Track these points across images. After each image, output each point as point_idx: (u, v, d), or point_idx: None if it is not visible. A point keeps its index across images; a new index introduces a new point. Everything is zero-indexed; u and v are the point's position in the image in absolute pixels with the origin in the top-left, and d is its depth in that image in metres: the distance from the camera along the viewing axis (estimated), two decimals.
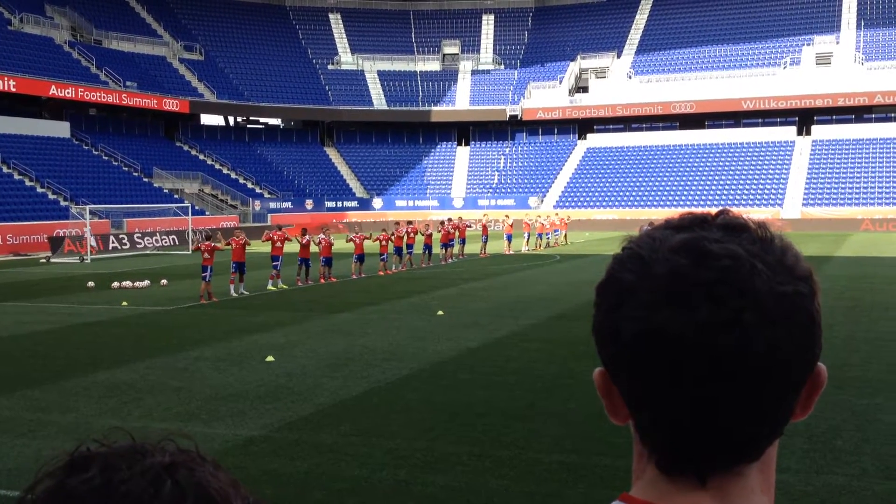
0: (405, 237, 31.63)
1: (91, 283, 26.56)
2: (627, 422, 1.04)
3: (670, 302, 0.93)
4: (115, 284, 26.10)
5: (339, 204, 67.12)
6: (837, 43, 70.47)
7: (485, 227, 39.28)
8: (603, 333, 1.00)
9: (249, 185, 65.56)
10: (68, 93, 57.36)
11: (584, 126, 74.25)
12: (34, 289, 26.11)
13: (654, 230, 1.01)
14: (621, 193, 65.21)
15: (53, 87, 56.44)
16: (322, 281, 27.15)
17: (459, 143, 76.98)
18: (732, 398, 0.93)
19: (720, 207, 1.07)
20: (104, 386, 12.34)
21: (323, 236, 27.56)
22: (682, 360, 0.92)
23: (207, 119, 73.88)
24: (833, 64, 68.56)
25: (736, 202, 60.44)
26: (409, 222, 33.93)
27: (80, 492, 0.79)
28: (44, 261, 38.27)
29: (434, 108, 75.72)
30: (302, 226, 34.97)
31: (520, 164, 73.47)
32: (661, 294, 0.93)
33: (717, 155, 67.44)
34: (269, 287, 25.32)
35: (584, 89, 75.11)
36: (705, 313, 0.91)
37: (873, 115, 66.77)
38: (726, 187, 63.53)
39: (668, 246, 0.96)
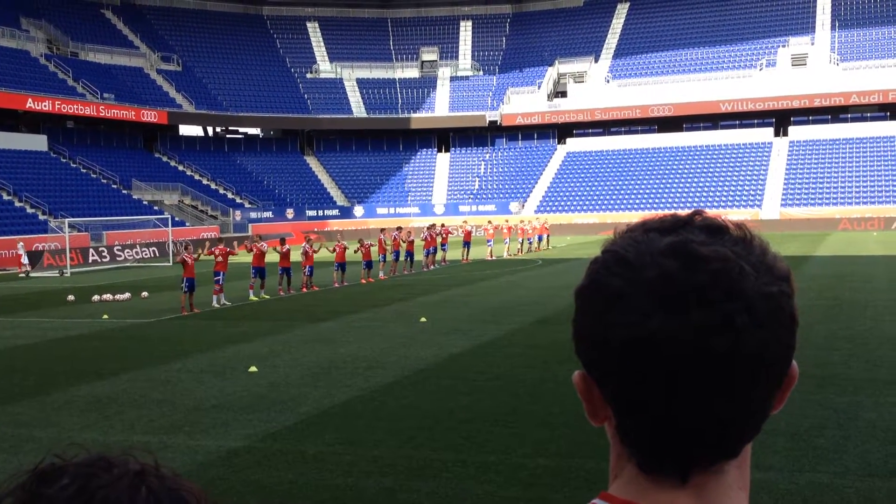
0: (389, 245, 31.64)
1: (71, 297, 26.38)
2: (605, 423, 1.04)
3: (663, 306, 0.92)
4: (96, 297, 25.93)
5: (321, 212, 66.98)
6: (812, 44, 71.08)
7: (467, 233, 39.31)
8: (588, 338, 0.99)
9: (230, 196, 65.34)
10: (45, 106, 57.01)
11: (563, 131, 74.50)
12: (13, 303, 25.90)
13: (635, 233, 1.01)
14: (602, 197, 65.47)
15: (30, 100, 56.09)
16: (304, 290, 27.09)
17: (439, 150, 77.05)
18: (722, 399, 0.93)
19: (693, 209, 1.08)
20: (86, 400, 12.25)
21: (307, 246, 27.59)
22: (675, 364, 0.92)
23: (186, 130, 73.57)
24: (808, 65, 69.15)
25: (715, 204, 60.82)
26: (399, 228, 33.88)
27: (58, 500, 0.80)
28: (23, 275, 37.99)
29: (413, 115, 75.76)
30: (282, 235, 34.83)
31: (500, 169, 73.63)
32: (653, 299, 0.93)
33: (696, 157, 67.85)
34: (251, 297, 25.24)
35: (563, 94, 75.39)
36: (698, 317, 0.91)
37: (849, 115, 67.35)
38: (705, 189, 63.92)
39: (655, 249, 0.96)
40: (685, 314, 0.92)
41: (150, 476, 0.84)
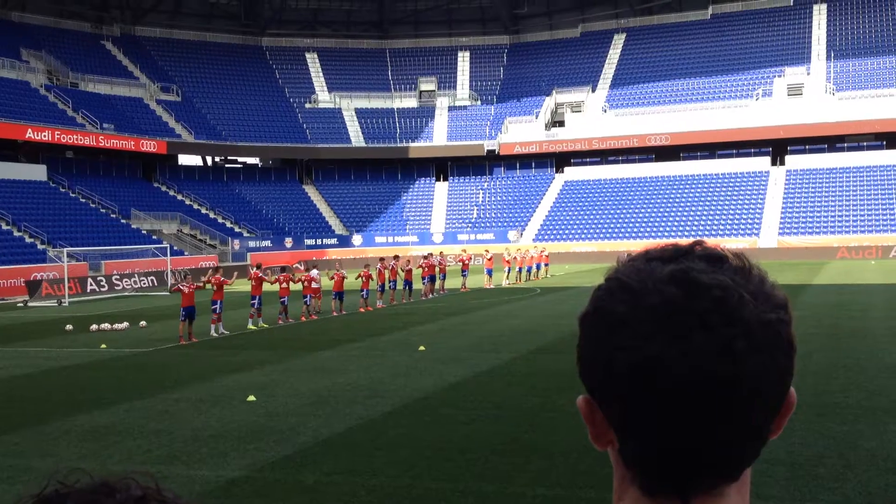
0: (387, 273, 31.67)
1: (69, 326, 26.34)
2: (608, 447, 1.07)
3: (665, 332, 0.95)
4: (94, 327, 25.90)
5: (319, 241, 67.05)
6: (808, 74, 71.56)
7: (465, 263, 39.35)
8: (592, 364, 1.02)
9: (228, 225, 65.43)
10: (45, 136, 57.22)
11: (561, 160, 74.79)
12: (12, 333, 25.85)
13: (637, 261, 1.04)
14: (600, 226, 65.58)
15: (30, 130, 56.30)
16: (303, 319, 27.06)
17: (438, 179, 77.29)
18: (722, 423, 0.96)
19: (694, 238, 1.11)
20: (84, 429, 12.21)
21: (315, 273, 27.71)
22: (676, 388, 0.95)
23: (185, 159, 73.88)
24: (805, 95, 69.56)
25: (713, 232, 60.90)
26: (396, 257, 33.91)
27: None
28: (21, 304, 37.93)
29: (412, 145, 76.08)
30: (283, 264, 34.84)
31: (498, 198, 73.82)
32: (655, 325, 0.96)
33: (694, 186, 68.06)
34: (250, 326, 25.20)
35: (561, 123, 75.77)
36: (699, 343, 0.94)
37: (846, 145, 67.67)
38: (703, 218, 64.05)
39: (658, 277, 0.99)
40: (686, 340, 0.95)
41: (153, 501, 0.85)
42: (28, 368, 18.33)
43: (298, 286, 27.69)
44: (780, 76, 71.72)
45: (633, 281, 1.00)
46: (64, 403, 14.23)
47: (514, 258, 42.28)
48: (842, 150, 67.39)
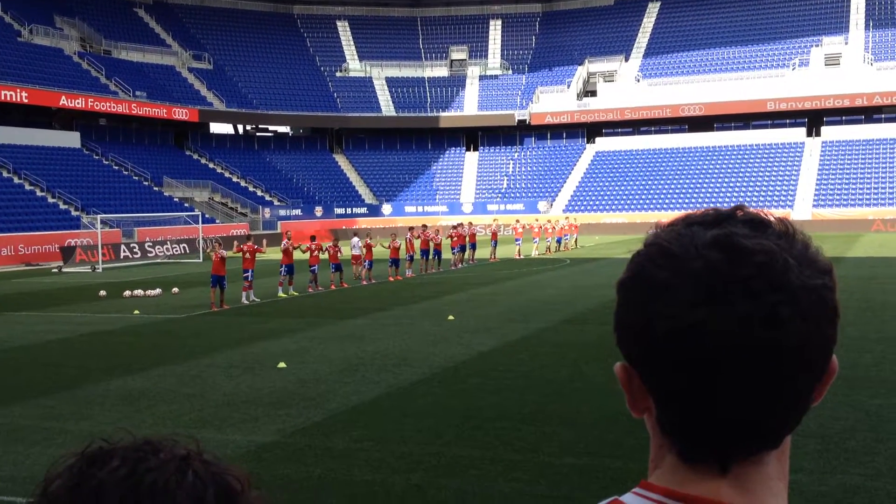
0: (417, 243, 31.72)
1: (103, 293, 26.66)
2: (645, 414, 1.06)
3: (708, 298, 0.93)
4: (127, 293, 26.20)
5: (349, 210, 67.26)
6: (846, 44, 70.32)
7: (494, 232, 39.32)
8: (631, 330, 1.00)
9: (259, 193, 65.76)
10: (78, 103, 57.64)
11: (592, 130, 74.25)
12: (46, 298, 26.22)
13: (678, 226, 1.02)
14: (631, 197, 65.17)
15: (64, 97, 56.73)
16: (333, 287, 27.20)
17: (468, 149, 77.07)
18: (764, 390, 0.94)
19: (735, 204, 1.09)
20: (117, 394, 12.39)
21: (355, 241, 28.02)
22: (719, 354, 0.93)
23: (216, 128, 74.17)
24: (842, 65, 68.40)
25: (746, 204, 59.80)
26: (424, 226, 33.89)
27: (108, 482, 0.83)
28: (55, 270, 38.42)
29: (442, 114, 75.83)
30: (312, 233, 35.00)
31: (529, 168, 73.52)
32: (698, 290, 0.94)
33: (727, 157, 67.35)
34: (280, 294, 25.38)
35: (593, 93, 75.12)
36: (743, 309, 0.92)
37: (883, 116, 66.56)
38: (736, 189, 63.46)
39: (700, 242, 0.97)
40: (731, 305, 0.93)
41: (196, 461, 0.86)
42: (62, 333, 18.61)
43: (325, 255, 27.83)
44: (817, 46, 70.54)
45: (674, 246, 0.98)
46: (98, 368, 14.44)
47: (544, 228, 42.14)
48: (879, 121, 66.31)
